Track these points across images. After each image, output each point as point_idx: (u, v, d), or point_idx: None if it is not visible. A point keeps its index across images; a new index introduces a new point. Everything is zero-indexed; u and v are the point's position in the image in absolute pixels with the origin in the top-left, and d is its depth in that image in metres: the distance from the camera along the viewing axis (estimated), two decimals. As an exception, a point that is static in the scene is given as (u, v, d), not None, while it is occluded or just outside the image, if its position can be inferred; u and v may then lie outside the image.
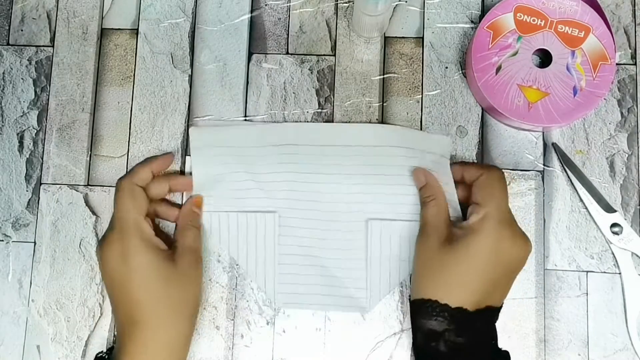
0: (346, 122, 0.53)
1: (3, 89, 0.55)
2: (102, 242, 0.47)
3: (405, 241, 0.50)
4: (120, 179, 0.49)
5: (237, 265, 0.52)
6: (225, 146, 0.52)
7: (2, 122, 0.55)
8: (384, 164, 0.51)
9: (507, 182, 0.52)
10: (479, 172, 0.47)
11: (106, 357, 0.47)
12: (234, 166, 0.52)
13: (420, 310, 0.44)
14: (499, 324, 0.48)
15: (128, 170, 0.53)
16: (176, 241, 0.49)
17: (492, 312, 0.45)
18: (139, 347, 0.44)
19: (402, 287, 0.51)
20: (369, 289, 0.51)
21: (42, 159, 0.54)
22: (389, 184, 0.51)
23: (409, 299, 0.47)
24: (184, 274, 0.47)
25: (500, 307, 0.46)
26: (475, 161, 0.53)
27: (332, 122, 0.54)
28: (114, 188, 0.53)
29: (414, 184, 0.50)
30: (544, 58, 0.52)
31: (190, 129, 0.53)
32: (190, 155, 0.53)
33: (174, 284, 0.46)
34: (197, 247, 0.49)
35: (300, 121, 0.54)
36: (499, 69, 0.51)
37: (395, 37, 0.55)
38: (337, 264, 0.51)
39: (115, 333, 0.47)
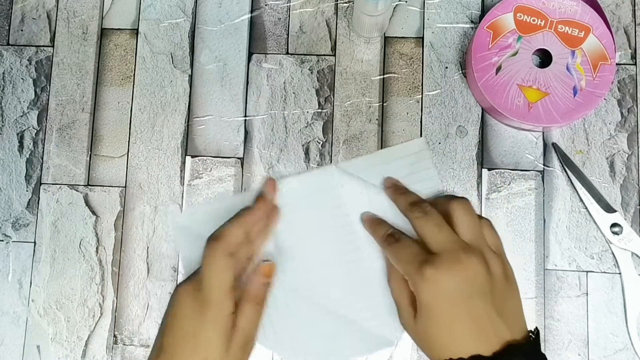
0: (304, 172, 0.51)
1: (3, 89, 0.55)
2: (188, 288, 0.45)
3: None
4: (213, 241, 0.45)
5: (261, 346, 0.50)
6: (206, 222, 0.49)
7: (2, 122, 0.55)
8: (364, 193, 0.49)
9: (508, 182, 0.52)
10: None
11: None
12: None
13: None
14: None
15: (221, 230, 0.46)
16: (236, 318, 0.45)
17: (511, 351, 0.40)
18: None
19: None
20: (392, 319, 0.47)
21: (42, 159, 0.54)
22: (368, 206, 0.49)
23: None
24: (234, 356, 0.44)
25: (525, 343, 0.41)
26: (475, 162, 0.53)
27: (333, 122, 0.54)
28: (114, 188, 0.53)
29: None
30: (544, 58, 0.52)
31: (169, 215, 0.52)
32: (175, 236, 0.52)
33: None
34: (253, 327, 0.46)
35: (303, 140, 0.53)
36: (499, 69, 0.51)
37: (395, 37, 0.55)
38: (352, 308, 0.49)
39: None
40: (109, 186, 0.54)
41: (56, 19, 0.56)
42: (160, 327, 0.46)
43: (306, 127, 0.54)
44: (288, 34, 0.55)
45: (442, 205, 0.45)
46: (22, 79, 0.55)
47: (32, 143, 0.54)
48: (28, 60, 0.55)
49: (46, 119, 0.55)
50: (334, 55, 0.55)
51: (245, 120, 0.54)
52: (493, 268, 0.42)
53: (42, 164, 0.54)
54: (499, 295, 0.42)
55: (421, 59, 0.54)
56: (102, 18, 0.56)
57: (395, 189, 0.49)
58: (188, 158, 0.54)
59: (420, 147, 0.51)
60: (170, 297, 0.46)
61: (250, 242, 0.47)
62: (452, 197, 0.45)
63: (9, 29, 0.56)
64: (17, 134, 0.55)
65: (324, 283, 0.49)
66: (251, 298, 0.46)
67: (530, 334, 0.42)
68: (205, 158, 0.54)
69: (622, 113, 0.53)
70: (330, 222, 0.49)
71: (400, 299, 0.45)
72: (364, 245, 0.49)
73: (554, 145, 0.53)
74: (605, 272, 0.51)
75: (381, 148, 0.53)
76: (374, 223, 0.48)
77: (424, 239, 0.43)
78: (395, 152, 0.51)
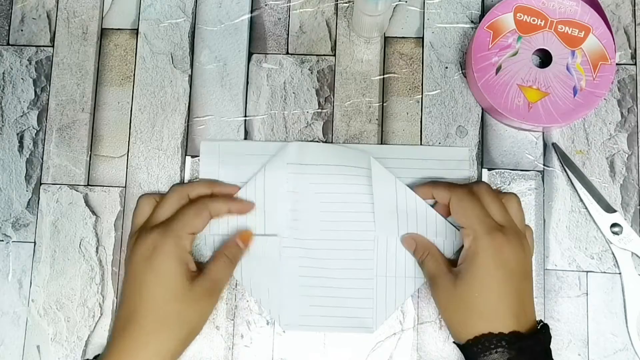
0: (352, 143, 0.53)
1: (3, 89, 0.55)
2: (141, 231, 0.48)
3: (411, 258, 0.50)
4: (177, 185, 0.50)
5: (241, 286, 0.51)
6: (230, 164, 0.52)
7: (2, 122, 0.55)
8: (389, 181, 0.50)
9: (508, 183, 0.52)
10: (447, 194, 0.47)
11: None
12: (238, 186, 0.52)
13: (476, 349, 0.42)
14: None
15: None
16: (206, 265, 0.48)
17: (544, 330, 0.45)
18: (127, 345, 0.44)
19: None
20: (375, 308, 0.50)
21: (42, 159, 0.54)
22: (395, 200, 0.50)
23: (458, 345, 0.45)
24: (196, 298, 0.46)
25: (545, 324, 0.46)
26: (470, 175, 0.53)
27: (333, 122, 0.54)
28: (114, 188, 0.53)
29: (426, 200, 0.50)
30: (544, 58, 0.52)
31: (201, 143, 0.53)
32: (200, 168, 0.53)
33: (184, 304, 0.45)
34: (221, 278, 0.48)
35: (303, 140, 0.53)
36: (499, 69, 0.51)
37: (395, 37, 0.55)
38: (342, 284, 0.50)
39: (112, 325, 0.47)
40: (109, 186, 0.54)
41: (56, 19, 0.56)
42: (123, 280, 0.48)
43: (306, 127, 0.54)
44: (288, 34, 0.55)
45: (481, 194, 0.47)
46: (22, 79, 0.55)
47: (32, 143, 0.54)
48: (28, 60, 0.55)
49: (46, 119, 0.55)
50: (334, 55, 0.55)
51: (245, 120, 0.54)
52: (528, 252, 0.46)
53: (42, 164, 0.54)
54: (532, 285, 0.46)
55: (421, 59, 0.54)
56: (102, 18, 0.56)
57: (434, 183, 0.50)
58: (188, 158, 0.54)
59: (463, 156, 0.52)
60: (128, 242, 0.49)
61: (221, 202, 0.50)
62: (452, 188, 0.48)
63: (9, 29, 0.56)
64: (17, 134, 0.55)
65: (324, 253, 0.51)
66: (225, 252, 0.49)
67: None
68: (205, 158, 0.54)
69: (622, 113, 0.53)
70: (349, 203, 0.51)
71: (436, 268, 0.47)
72: (374, 238, 0.51)
73: (554, 145, 0.53)
74: (605, 272, 0.51)
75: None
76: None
77: (491, 214, 0.46)
78: (436, 152, 0.52)
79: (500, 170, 0.53)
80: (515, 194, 0.49)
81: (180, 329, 0.45)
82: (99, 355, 0.47)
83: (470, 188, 0.47)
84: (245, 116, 0.54)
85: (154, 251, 0.46)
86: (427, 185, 0.49)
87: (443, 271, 0.46)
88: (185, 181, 0.53)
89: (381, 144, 0.53)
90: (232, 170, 0.52)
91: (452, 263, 0.48)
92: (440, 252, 0.49)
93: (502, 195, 0.48)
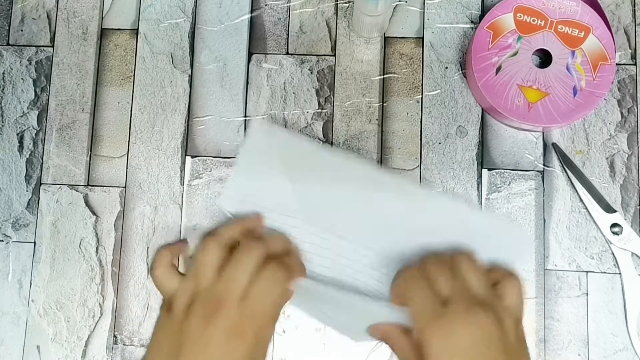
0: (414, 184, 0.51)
1: (3, 89, 0.55)
2: (198, 303, 0.41)
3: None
4: (210, 237, 0.44)
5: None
6: (275, 154, 0.49)
7: (2, 122, 0.55)
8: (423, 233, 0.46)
9: (508, 183, 0.52)
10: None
11: None
12: (275, 179, 0.49)
13: None
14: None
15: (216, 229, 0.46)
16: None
17: None
18: None
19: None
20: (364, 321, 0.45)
21: (42, 159, 0.54)
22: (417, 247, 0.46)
23: None
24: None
25: None
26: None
27: (333, 122, 0.54)
28: (114, 188, 0.53)
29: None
30: (544, 58, 0.52)
31: (252, 122, 0.50)
32: (241, 150, 0.50)
33: None
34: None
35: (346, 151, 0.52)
36: (499, 69, 0.51)
37: (395, 37, 0.55)
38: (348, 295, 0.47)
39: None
40: (109, 186, 0.54)
41: (56, 19, 0.56)
42: (157, 348, 0.42)
43: (306, 127, 0.54)
44: (288, 34, 0.55)
45: (451, 260, 0.42)
46: (22, 79, 0.55)
47: (32, 143, 0.54)
48: (28, 60, 0.55)
49: (46, 119, 0.55)
50: (334, 55, 0.55)
51: (245, 120, 0.54)
52: (505, 326, 0.39)
53: (42, 164, 0.54)
54: (513, 354, 0.39)
55: (421, 59, 0.54)
56: (102, 18, 0.56)
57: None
58: (188, 158, 0.54)
59: (521, 240, 0.48)
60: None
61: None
62: (459, 252, 0.43)
63: (9, 29, 0.56)
64: (17, 134, 0.55)
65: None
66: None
67: None
68: (205, 158, 0.54)
69: (622, 113, 0.53)
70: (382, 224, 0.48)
71: (403, 354, 0.41)
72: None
73: (554, 145, 0.53)
74: (605, 272, 0.51)
75: (381, 148, 0.53)
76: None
77: (437, 286, 0.40)
78: (487, 222, 0.46)
79: (500, 170, 0.53)
80: (518, 280, 0.42)
81: None
82: None
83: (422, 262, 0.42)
84: (245, 116, 0.54)
85: (234, 338, 0.40)
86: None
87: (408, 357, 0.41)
88: (185, 181, 0.53)
89: (381, 144, 0.53)
90: (275, 164, 0.48)
91: None
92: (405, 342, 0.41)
93: (499, 273, 0.42)
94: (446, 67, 0.54)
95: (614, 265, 0.51)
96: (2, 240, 0.53)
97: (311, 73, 0.54)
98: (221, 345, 0.40)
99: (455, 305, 0.39)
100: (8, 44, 0.56)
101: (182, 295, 0.42)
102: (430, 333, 0.38)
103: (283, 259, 0.45)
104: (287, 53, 0.55)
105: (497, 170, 0.53)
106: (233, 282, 0.42)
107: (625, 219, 0.51)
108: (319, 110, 0.54)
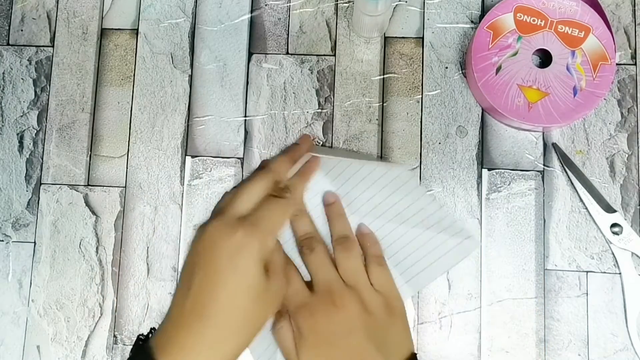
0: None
1: (3, 89, 0.55)
2: (223, 222, 0.43)
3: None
4: (262, 169, 0.48)
5: None
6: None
7: (2, 122, 0.55)
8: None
9: (508, 183, 0.52)
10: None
11: (144, 339, 0.43)
12: None
13: None
14: (499, 323, 0.48)
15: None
16: (274, 263, 0.45)
17: None
18: (193, 340, 0.41)
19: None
20: None
21: (42, 159, 0.54)
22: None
23: None
24: (272, 298, 0.44)
25: None
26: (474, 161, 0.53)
27: (333, 122, 0.54)
28: (114, 188, 0.53)
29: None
30: (544, 58, 0.52)
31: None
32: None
33: (261, 304, 0.43)
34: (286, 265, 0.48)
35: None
36: (499, 69, 0.51)
37: (395, 37, 0.55)
38: None
39: (171, 310, 0.43)
40: (109, 186, 0.54)
41: (56, 19, 0.56)
42: (183, 268, 0.44)
43: (306, 127, 0.54)
44: (288, 34, 0.55)
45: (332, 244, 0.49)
46: (22, 79, 0.55)
47: (32, 143, 0.54)
48: (28, 60, 0.55)
49: (46, 119, 0.55)
50: (334, 55, 0.55)
51: (245, 120, 0.54)
52: (370, 305, 0.45)
53: (42, 164, 0.54)
54: (378, 330, 0.45)
55: (421, 59, 0.54)
56: (102, 18, 0.56)
57: (333, 209, 0.51)
58: (188, 158, 0.54)
59: (405, 177, 0.52)
60: (201, 233, 0.44)
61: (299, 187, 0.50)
62: (338, 239, 0.49)
63: (9, 29, 0.56)
64: (17, 134, 0.55)
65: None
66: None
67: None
68: (205, 158, 0.54)
69: (622, 113, 0.53)
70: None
71: (285, 342, 0.46)
72: None
73: (554, 145, 0.53)
74: (605, 272, 0.51)
75: (381, 148, 0.53)
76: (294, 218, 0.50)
77: (311, 275, 0.47)
78: (380, 170, 0.52)
79: (500, 170, 0.53)
80: (379, 257, 0.50)
81: (249, 332, 0.43)
82: (150, 333, 0.44)
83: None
84: (245, 116, 0.54)
85: (239, 251, 0.42)
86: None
87: (290, 345, 0.46)
88: (185, 181, 0.53)
89: (381, 144, 0.53)
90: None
91: None
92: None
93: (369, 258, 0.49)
94: (446, 67, 0.54)
95: (614, 265, 0.51)
96: (2, 240, 0.53)
97: (311, 73, 0.54)
98: (225, 258, 0.42)
99: (318, 293, 0.45)
100: (8, 44, 0.56)
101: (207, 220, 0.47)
102: (297, 320, 0.44)
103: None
104: (287, 53, 0.55)
105: (497, 170, 0.53)
106: (236, 202, 0.45)
107: (625, 219, 0.51)
108: (319, 110, 0.54)
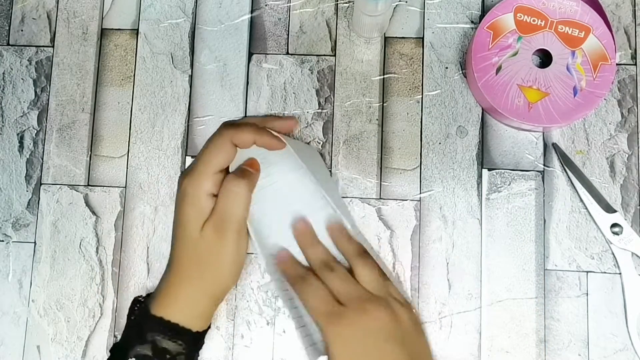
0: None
1: (3, 89, 0.55)
2: (198, 172, 0.46)
3: None
4: (225, 127, 0.48)
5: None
6: None
7: (2, 122, 0.55)
8: None
9: (508, 183, 0.52)
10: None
11: (144, 300, 0.48)
12: None
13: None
14: (499, 323, 0.48)
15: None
16: (217, 196, 0.47)
17: None
18: (167, 288, 0.46)
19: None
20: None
21: (42, 159, 0.54)
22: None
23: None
24: (207, 242, 0.46)
25: None
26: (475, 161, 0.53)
27: (333, 122, 0.54)
28: (114, 188, 0.53)
29: None
30: (544, 58, 0.52)
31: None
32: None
33: (198, 250, 0.46)
34: (233, 213, 0.46)
35: (304, 140, 0.53)
36: (499, 69, 0.51)
37: (395, 37, 0.55)
38: None
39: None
40: (109, 186, 0.54)
41: (56, 19, 0.56)
42: None
43: (306, 127, 0.54)
44: (288, 34, 0.55)
45: (348, 259, 0.48)
46: (22, 79, 0.55)
47: (32, 143, 0.54)
48: (28, 60, 0.55)
49: (46, 119, 0.55)
50: (334, 55, 0.55)
51: (245, 120, 0.54)
52: (400, 316, 0.44)
53: (42, 164, 0.54)
54: (410, 341, 0.44)
55: (421, 59, 0.54)
56: (102, 18, 0.56)
57: (307, 240, 0.49)
58: (188, 158, 0.54)
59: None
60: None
61: (244, 130, 0.48)
62: (357, 256, 0.47)
63: (9, 29, 0.56)
64: (17, 134, 0.55)
65: None
66: (231, 183, 0.46)
67: None
68: (205, 158, 0.54)
69: (622, 113, 0.53)
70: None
71: (314, 300, 0.46)
72: None
73: (554, 145, 0.53)
74: (605, 273, 0.51)
75: (381, 148, 0.53)
76: (308, 245, 0.49)
77: (334, 294, 0.45)
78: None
79: (500, 170, 0.53)
80: (364, 257, 0.48)
81: (203, 275, 0.46)
82: (149, 295, 0.49)
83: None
84: (245, 116, 0.54)
85: (180, 196, 0.46)
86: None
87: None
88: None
89: (381, 144, 0.53)
90: None
91: None
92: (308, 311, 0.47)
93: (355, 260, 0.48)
94: (446, 67, 0.54)
95: (614, 265, 0.51)
96: (2, 240, 0.53)
97: (311, 73, 0.54)
98: (178, 215, 0.47)
99: (349, 303, 0.44)
100: (8, 44, 0.56)
101: None
102: (329, 331, 0.43)
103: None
104: (287, 53, 0.55)
105: (497, 170, 0.53)
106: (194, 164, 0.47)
107: (625, 219, 0.51)
108: (319, 110, 0.54)
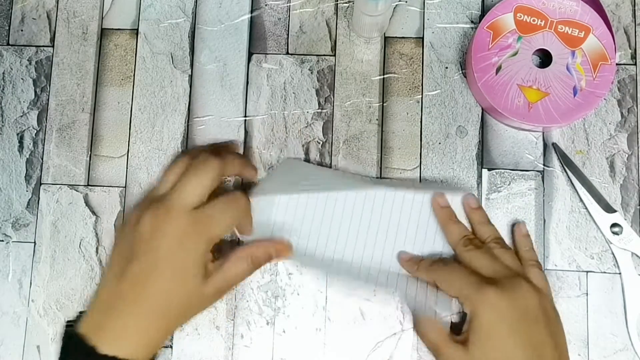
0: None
1: (3, 89, 0.55)
2: (175, 209, 0.42)
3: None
4: (183, 156, 0.46)
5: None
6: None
7: (2, 122, 0.55)
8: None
9: (508, 183, 0.52)
10: (426, 274, 0.47)
11: (73, 324, 0.43)
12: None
13: None
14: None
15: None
16: (226, 262, 0.44)
17: None
18: (128, 327, 0.41)
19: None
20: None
21: (42, 159, 0.54)
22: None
23: None
24: (205, 299, 0.44)
25: None
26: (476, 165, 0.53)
27: (333, 122, 0.54)
28: (114, 188, 0.53)
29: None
30: (544, 58, 0.52)
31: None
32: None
33: (193, 301, 0.43)
34: (237, 281, 0.45)
35: (303, 140, 0.53)
36: (499, 69, 0.51)
37: (395, 37, 0.55)
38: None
39: (97, 296, 0.43)
40: (109, 186, 0.54)
41: (56, 19, 0.56)
42: (115, 249, 0.44)
43: (306, 127, 0.54)
44: (288, 34, 0.55)
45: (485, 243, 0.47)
46: (22, 79, 0.55)
47: (32, 143, 0.54)
48: (28, 60, 0.55)
49: (46, 119, 0.55)
50: (334, 55, 0.55)
51: (245, 120, 0.54)
52: (544, 301, 0.44)
53: (42, 164, 0.54)
54: (553, 325, 0.44)
55: (421, 59, 0.54)
56: (102, 18, 0.56)
57: (448, 215, 0.49)
58: (188, 158, 0.54)
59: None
60: (127, 221, 0.44)
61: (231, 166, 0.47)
62: (494, 240, 0.47)
63: (9, 29, 0.56)
64: (17, 134, 0.55)
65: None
66: (251, 255, 0.45)
67: None
68: (205, 158, 0.54)
69: (622, 113, 0.53)
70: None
71: (439, 341, 0.44)
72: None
73: (554, 145, 0.53)
74: (605, 272, 0.51)
75: (381, 148, 0.53)
76: (449, 221, 0.49)
77: (478, 270, 0.45)
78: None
79: (500, 170, 0.53)
80: (498, 242, 0.47)
81: (179, 320, 0.44)
82: (78, 318, 0.43)
83: (444, 259, 0.47)
84: (245, 116, 0.54)
85: (183, 246, 0.42)
86: (410, 261, 0.48)
87: (446, 342, 0.44)
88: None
89: (381, 144, 0.53)
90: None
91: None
92: (448, 289, 0.46)
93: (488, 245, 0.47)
94: (446, 67, 0.54)
95: (614, 265, 0.51)
96: (2, 240, 0.53)
97: (311, 73, 0.54)
98: (171, 251, 0.42)
99: (500, 277, 0.43)
100: (8, 44, 0.56)
101: (140, 203, 0.45)
102: (479, 300, 0.42)
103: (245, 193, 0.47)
104: (287, 53, 0.55)
105: (497, 170, 0.53)
106: (184, 192, 0.43)
107: (625, 219, 0.51)
108: (319, 110, 0.54)
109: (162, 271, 0.42)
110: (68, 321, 0.43)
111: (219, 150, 0.49)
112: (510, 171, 0.52)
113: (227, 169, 0.46)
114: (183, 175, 0.45)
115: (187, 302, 0.43)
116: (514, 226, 0.51)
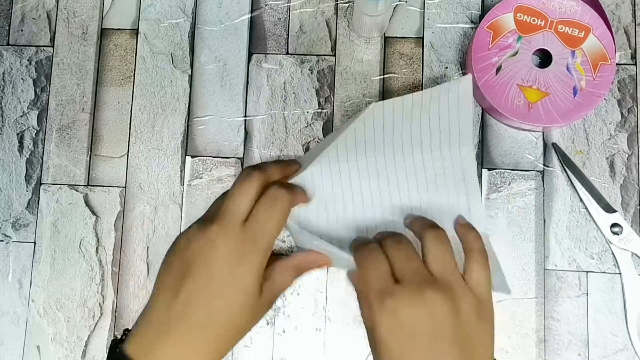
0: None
1: (3, 89, 0.55)
2: (215, 225, 0.41)
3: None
4: (250, 169, 0.43)
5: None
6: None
7: (2, 122, 0.55)
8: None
9: (508, 183, 0.52)
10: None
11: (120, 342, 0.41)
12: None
13: None
14: (499, 324, 0.48)
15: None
16: (274, 275, 0.43)
17: None
18: (180, 351, 0.39)
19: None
20: None
21: (42, 159, 0.54)
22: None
23: None
24: (260, 312, 0.42)
25: None
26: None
27: (333, 122, 0.54)
28: (114, 188, 0.53)
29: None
30: (544, 58, 0.52)
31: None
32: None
33: (248, 317, 0.41)
34: (284, 290, 0.43)
35: (303, 140, 0.52)
36: (499, 69, 0.51)
37: (395, 37, 0.55)
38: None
39: (146, 316, 0.41)
40: (109, 186, 0.54)
41: (56, 19, 0.56)
42: (167, 269, 0.42)
43: (306, 127, 0.54)
44: (288, 34, 0.55)
45: (419, 234, 0.43)
46: (22, 79, 0.55)
47: (32, 143, 0.54)
48: (28, 60, 0.55)
49: (46, 119, 0.55)
50: (334, 55, 0.55)
51: (245, 120, 0.54)
52: (461, 305, 0.39)
53: (42, 164, 0.54)
54: (465, 334, 0.38)
55: (421, 59, 0.54)
56: (102, 18, 0.56)
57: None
58: (188, 158, 0.54)
59: (466, 87, 0.45)
60: (182, 239, 0.42)
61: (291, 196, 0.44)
62: (427, 226, 0.42)
63: (9, 29, 0.56)
64: (17, 134, 0.55)
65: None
66: (299, 267, 0.44)
67: None
68: (205, 158, 0.54)
69: (622, 113, 0.53)
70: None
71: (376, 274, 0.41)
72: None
73: (554, 145, 0.53)
74: (605, 272, 0.51)
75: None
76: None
77: (392, 266, 0.40)
78: (436, 93, 0.45)
79: (500, 170, 0.53)
80: (482, 254, 0.41)
81: (232, 342, 0.41)
82: (124, 335, 0.42)
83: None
84: (245, 116, 0.54)
85: (241, 262, 0.40)
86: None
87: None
88: (185, 181, 0.53)
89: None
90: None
91: None
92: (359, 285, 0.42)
93: (466, 249, 0.42)
94: (446, 67, 0.54)
95: (614, 265, 0.51)
96: (2, 240, 0.53)
97: (311, 73, 0.54)
98: (225, 266, 0.40)
99: (406, 283, 0.38)
100: (8, 44, 0.56)
101: (200, 220, 0.43)
102: (377, 310, 0.38)
103: (283, 183, 0.45)
104: (287, 53, 0.55)
105: (497, 170, 0.53)
106: (234, 206, 0.42)
107: (625, 219, 0.51)
108: (319, 110, 0.54)
109: (219, 291, 0.40)
110: (114, 339, 0.42)
111: (285, 170, 0.47)
112: (510, 171, 0.52)
113: (268, 174, 0.45)
114: (230, 190, 0.43)
115: (247, 319, 0.41)
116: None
